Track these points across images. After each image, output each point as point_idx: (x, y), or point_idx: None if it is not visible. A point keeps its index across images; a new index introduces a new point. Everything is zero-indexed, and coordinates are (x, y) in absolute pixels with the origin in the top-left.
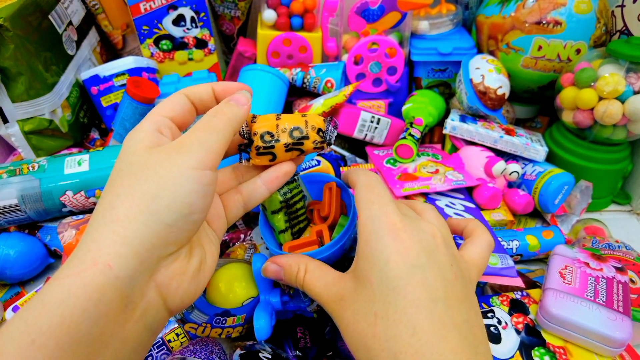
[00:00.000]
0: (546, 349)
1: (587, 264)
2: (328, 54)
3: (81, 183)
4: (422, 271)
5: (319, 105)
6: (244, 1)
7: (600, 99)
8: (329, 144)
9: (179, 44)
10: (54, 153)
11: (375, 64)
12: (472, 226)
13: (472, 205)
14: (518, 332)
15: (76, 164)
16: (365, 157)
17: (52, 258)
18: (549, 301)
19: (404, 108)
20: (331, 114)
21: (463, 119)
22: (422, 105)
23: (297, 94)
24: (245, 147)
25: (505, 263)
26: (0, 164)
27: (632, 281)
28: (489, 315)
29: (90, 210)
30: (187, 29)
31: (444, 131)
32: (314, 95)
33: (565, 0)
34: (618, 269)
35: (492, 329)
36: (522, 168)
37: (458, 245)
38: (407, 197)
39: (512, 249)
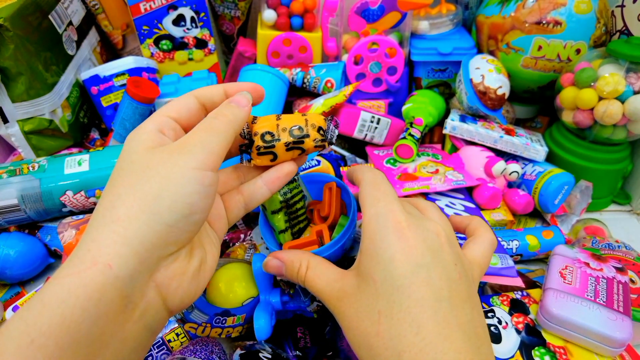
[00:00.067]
0: (546, 349)
1: (587, 264)
2: (328, 54)
3: (81, 183)
4: (426, 270)
5: (319, 105)
6: (244, 1)
7: (600, 99)
8: (330, 143)
9: (179, 44)
10: (54, 153)
11: (375, 64)
12: (475, 224)
13: (472, 205)
14: (518, 331)
15: (76, 164)
16: (365, 157)
17: (52, 258)
18: (550, 301)
19: (404, 108)
20: (331, 114)
21: (463, 119)
22: (422, 105)
23: (297, 94)
24: (246, 148)
25: (505, 263)
26: (0, 164)
27: (632, 281)
28: (490, 315)
29: (90, 210)
30: (187, 29)
31: (444, 131)
32: (314, 95)
33: (565, 0)
34: (618, 269)
35: (492, 328)
36: (522, 168)
37: (460, 244)
38: (407, 197)
39: (512, 249)
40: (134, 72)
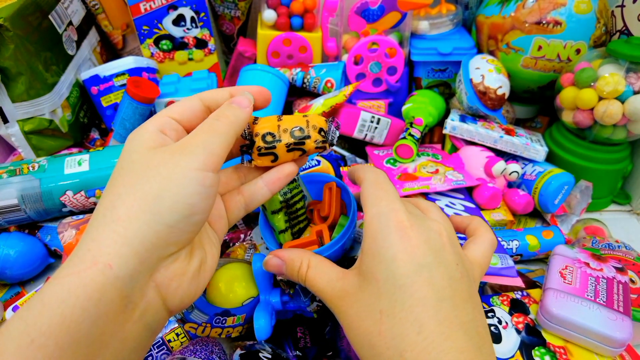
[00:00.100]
0: (546, 349)
1: (587, 264)
2: (328, 54)
3: (81, 183)
4: (428, 270)
5: (319, 105)
6: (244, 1)
7: (600, 99)
8: (331, 144)
9: (179, 44)
10: (54, 153)
11: (375, 64)
12: (475, 224)
13: (472, 205)
14: (518, 331)
15: (76, 164)
16: (365, 157)
17: (52, 258)
18: (550, 301)
19: (404, 108)
20: (331, 114)
21: (463, 119)
22: (422, 105)
23: (297, 94)
24: (247, 149)
25: (505, 263)
26: (0, 164)
27: (632, 281)
28: (490, 314)
29: (90, 210)
30: (187, 29)
31: (444, 131)
32: (314, 95)
33: (565, 0)
34: (618, 269)
35: (492, 328)
36: (522, 168)
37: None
38: (407, 197)
39: (512, 249)
40: (134, 72)
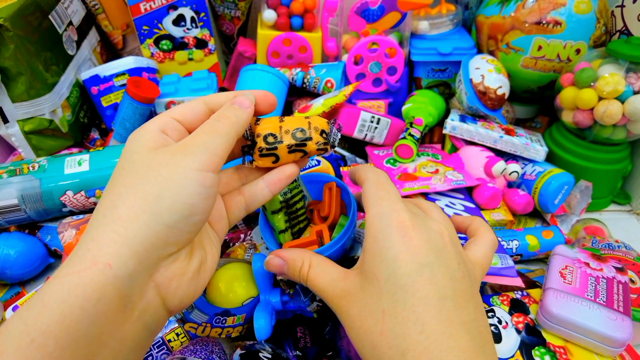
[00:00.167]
0: (546, 349)
1: (587, 264)
2: (328, 54)
3: (81, 183)
4: (430, 269)
5: (319, 105)
6: (244, 1)
7: (600, 99)
8: (333, 146)
9: (179, 44)
10: (54, 153)
11: (375, 64)
12: (476, 225)
13: (472, 205)
14: (518, 331)
15: (76, 164)
16: (365, 157)
17: (52, 258)
18: (550, 301)
19: (404, 108)
20: (331, 114)
21: (463, 119)
22: (422, 105)
23: (297, 94)
24: (249, 149)
25: (505, 263)
26: (0, 164)
27: (632, 281)
28: (490, 314)
29: (90, 210)
30: (187, 29)
31: (444, 131)
32: (314, 95)
33: (565, 0)
34: (618, 269)
35: (492, 328)
36: (522, 168)
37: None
38: (407, 197)
39: (512, 249)
40: (134, 72)
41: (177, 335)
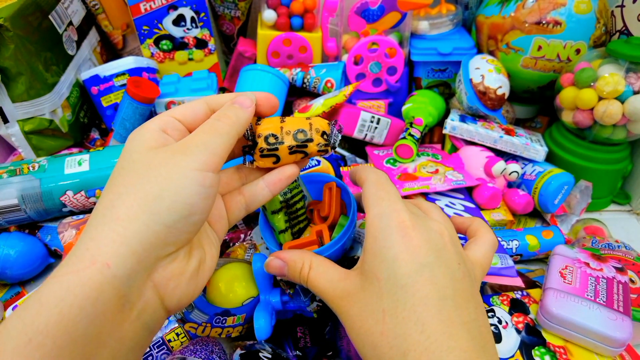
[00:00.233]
0: (546, 349)
1: (587, 264)
2: (328, 54)
3: (81, 183)
4: (430, 269)
5: (319, 105)
6: (244, 1)
7: (600, 99)
8: (333, 148)
9: (179, 44)
10: (54, 153)
11: (375, 64)
12: (476, 225)
13: (472, 205)
14: (518, 331)
15: (76, 164)
16: (365, 157)
17: (53, 258)
18: (550, 301)
19: (404, 108)
20: (331, 114)
21: (463, 119)
22: (422, 105)
23: (297, 94)
24: (249, 149)
25: (505, 263)
26: (0, 164)
27: (632, 281)
28: (490, 314)
29: (90, 210)
30: (187, 29)
31: (444, 131)
32: (314, 95)
33: (565, 0)
34: (618, 269)
35: (492, 328)
36: (522, 168)
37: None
38: (407, 197)
39: (512, 249)
40: (134, 72)
41: (177, 335)
